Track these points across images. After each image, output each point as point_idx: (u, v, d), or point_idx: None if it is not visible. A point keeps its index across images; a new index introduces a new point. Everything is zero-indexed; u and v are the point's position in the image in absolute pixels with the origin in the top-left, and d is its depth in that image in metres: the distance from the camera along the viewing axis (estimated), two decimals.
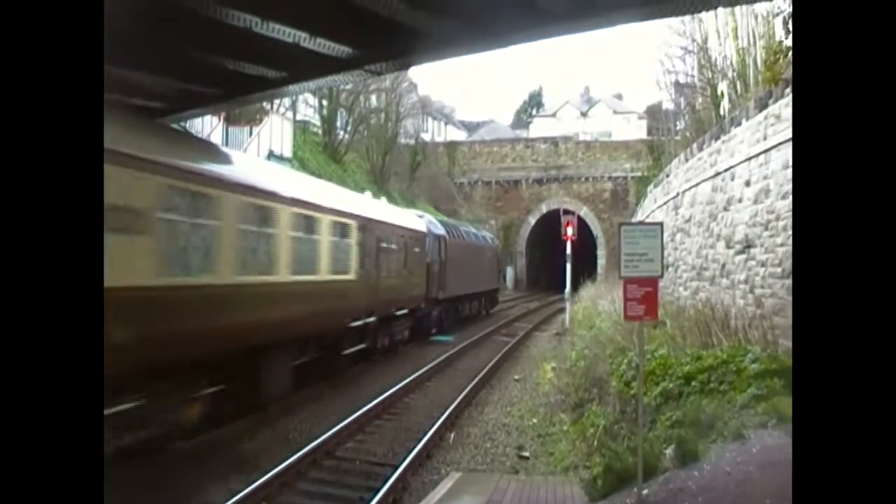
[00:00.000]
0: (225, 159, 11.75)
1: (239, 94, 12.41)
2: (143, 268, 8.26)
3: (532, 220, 57.64)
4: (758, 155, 13.26)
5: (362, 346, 16.21)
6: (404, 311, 19.77)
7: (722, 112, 25.80)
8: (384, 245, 17.67)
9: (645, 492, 6.91)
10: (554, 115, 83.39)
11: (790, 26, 9.93)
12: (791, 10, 9.74)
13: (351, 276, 15.21)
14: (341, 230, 14.70)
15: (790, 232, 11.23)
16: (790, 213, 11.33)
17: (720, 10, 23.93)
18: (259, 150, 26.49)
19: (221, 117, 25.27)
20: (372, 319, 16.56)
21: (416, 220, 22.97)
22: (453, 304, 26.93)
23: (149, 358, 8.29)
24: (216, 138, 23.90)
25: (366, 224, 16.20)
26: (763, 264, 12.60)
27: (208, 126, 24.43)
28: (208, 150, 12.62)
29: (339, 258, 14.56)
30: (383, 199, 26.84)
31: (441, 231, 25.35)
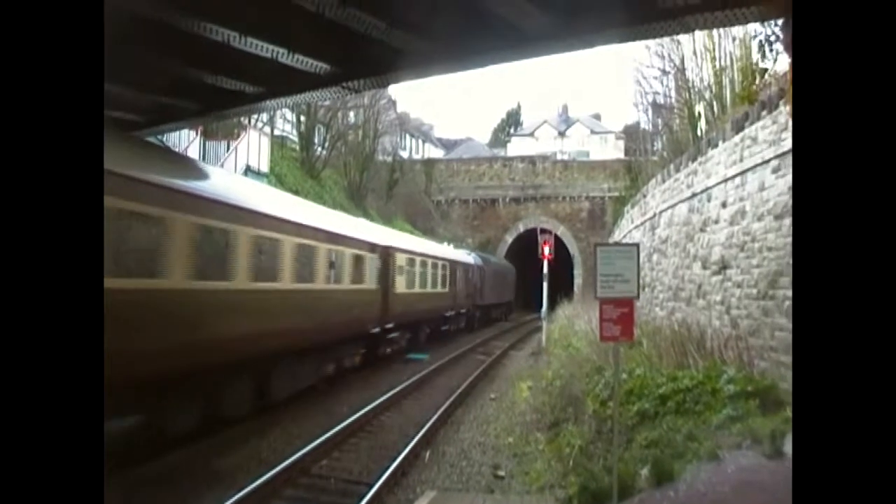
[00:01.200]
0: (417, 242, 27.69)
1: (216, 109, 12.37)
2: (405, 284, 22.36)
3: (509, 239, 57.50)
4: (734, 177, 13.38)
5: (447, 327, 29.89)
6: (464, 310, 33.43)
7: (699, 133, 25.98)
8: (457, 273, 31.53)
9: None
10: (532, 134, 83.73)
11: (766, 49, 10.06)
12: (767, 33, 9.86)
13: (447, 290, 29.43)
14: (443, 267, 28.83)
15: (766, 254, 11.33)
16: (766, 235, 11.42)
17: (697, 32, 24.17)
18: (236, 165, 26.36)
19: (199, 131, 25.13)
20: (452, 313, 30.64)
21: (468, 256, 36.56)
22: (486, 310, 40.10)
23: (403, 319, 21.92)
24: (193, 152, 23.79)
25: (451, 263, 30.59)
26: (739, 285, 12.68)
27: (185, 140, 24.24)
28: (412, 239, 28.27)
29: (443, 280, 28.68)
30: (452, 245, 39.11)
31: (480, 262, 38.34)
